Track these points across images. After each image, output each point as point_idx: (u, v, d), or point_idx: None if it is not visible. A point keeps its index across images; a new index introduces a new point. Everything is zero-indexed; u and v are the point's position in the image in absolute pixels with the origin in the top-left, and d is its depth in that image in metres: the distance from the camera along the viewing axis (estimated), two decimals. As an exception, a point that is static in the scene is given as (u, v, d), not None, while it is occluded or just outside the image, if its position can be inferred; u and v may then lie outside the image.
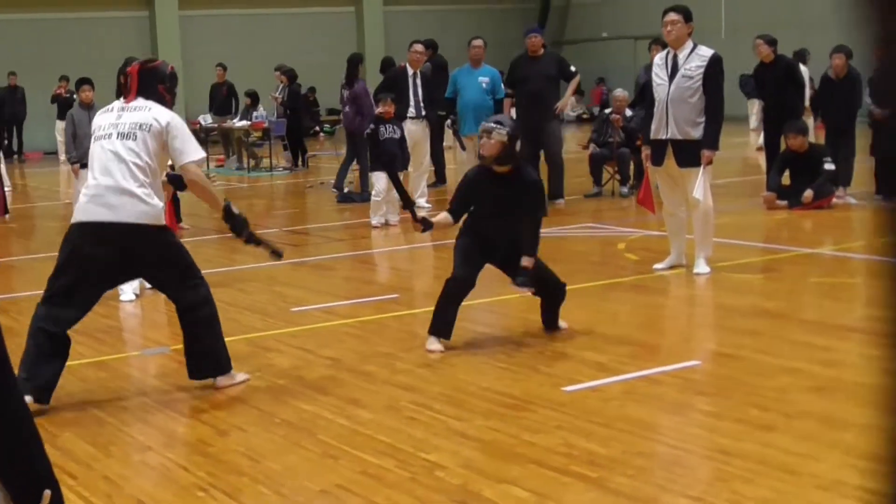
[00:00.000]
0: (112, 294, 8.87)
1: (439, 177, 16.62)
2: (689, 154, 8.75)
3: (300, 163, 20.42)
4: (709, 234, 9.03)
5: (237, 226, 6.25)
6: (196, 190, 6.14)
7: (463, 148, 14.78)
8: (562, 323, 7.36)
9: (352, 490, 4.64)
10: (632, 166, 14.77)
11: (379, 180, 12.64)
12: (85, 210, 5.92)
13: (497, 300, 8.68)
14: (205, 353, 6.13)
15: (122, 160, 5.87)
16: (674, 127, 8.78)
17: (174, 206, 12.79)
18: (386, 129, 12.33)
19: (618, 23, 33.39)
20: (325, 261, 10.74)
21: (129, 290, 8.68)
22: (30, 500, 2.18)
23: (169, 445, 5.34)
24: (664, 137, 8.85)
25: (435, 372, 6.43)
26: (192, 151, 6.06)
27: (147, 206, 5.86)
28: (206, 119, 23.23)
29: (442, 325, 6.94)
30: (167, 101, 6.15)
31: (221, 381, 6.18)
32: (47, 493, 2.20)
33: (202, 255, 11.38)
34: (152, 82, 6.13)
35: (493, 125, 6.94)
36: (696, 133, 8.74)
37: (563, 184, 14.04)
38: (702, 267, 8.96)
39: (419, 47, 14.27)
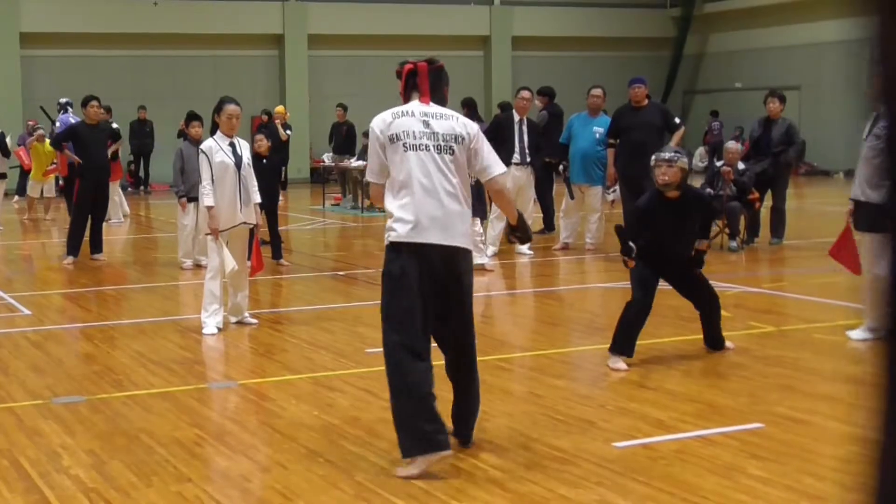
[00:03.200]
0: (194, 326, 9.09)
1: (547, 224, 16.57)
2: (865, 217, 8.45)
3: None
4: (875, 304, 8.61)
5: (526, 234, 6.03)
6: (503, 201, 5.88)
7: (571, 196, 14.69)
8: (728, 344, 8.02)
9: (374, 534, 4.65)
10: (742, 221, 14.48)
11: None
12: (414, 232, 5.35)
13: (574, 350, 8.61)
14: (472, 412, 5.88)
15: (446, 178, 5.38)
16: (856, 187, 8.60)
17: (275, 242, 13.02)
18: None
19: (753, 73, 32.81)
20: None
21: (212, 323, 8.83)
22: None
23: (209, 479, 5.42)
24: (851, 196, 8.63)
25: (490, 422, 6.39)
26: (497, 163, 5.62)
27: (468, 228, 5.53)
28: (328, 157, 23.66)
29: (625, 343, 7.57)
30: (447, 105, 5.64)
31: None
32: None
33: (295, 292, 11.60)
34: (440, 84, 5.59)
35: (673, 154, 7.43)
36: (876, 196, 8.46)
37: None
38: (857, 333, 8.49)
39: (526, 94, 14.29)
